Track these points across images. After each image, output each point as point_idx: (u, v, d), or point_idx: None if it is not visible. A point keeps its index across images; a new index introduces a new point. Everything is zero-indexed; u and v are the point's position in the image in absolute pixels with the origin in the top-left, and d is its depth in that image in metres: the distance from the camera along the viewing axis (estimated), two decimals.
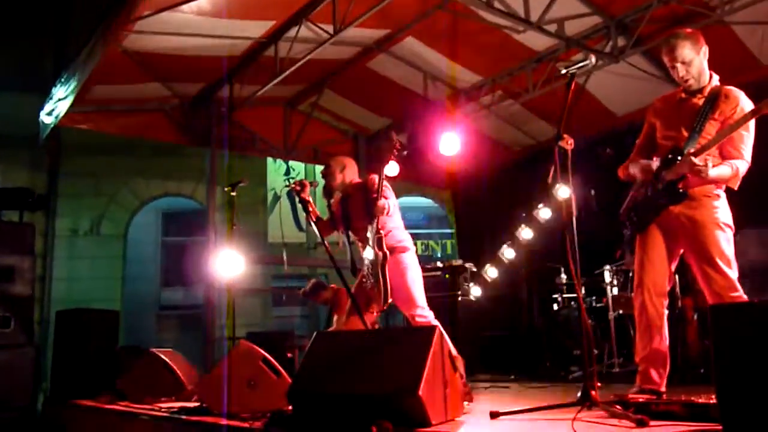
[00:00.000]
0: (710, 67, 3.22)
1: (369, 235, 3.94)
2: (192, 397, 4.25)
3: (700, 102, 3.16)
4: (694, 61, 3.13)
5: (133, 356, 5.32)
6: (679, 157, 3.07)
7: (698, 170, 2.95)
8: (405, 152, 4.10)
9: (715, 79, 3.21)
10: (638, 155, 3.40)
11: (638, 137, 3.46)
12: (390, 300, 3.90)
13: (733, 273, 3.01)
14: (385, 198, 3.97)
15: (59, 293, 10.35)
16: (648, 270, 3.20)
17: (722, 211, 3.09)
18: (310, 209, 4.21)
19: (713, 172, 2.98)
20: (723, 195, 3.14)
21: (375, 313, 4.15)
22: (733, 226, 3.10)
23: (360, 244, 4.14)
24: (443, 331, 3.84)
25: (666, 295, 3.22)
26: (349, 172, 4.33)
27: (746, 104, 3.08)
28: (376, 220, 3.91)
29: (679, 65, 3.13)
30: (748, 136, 3.09)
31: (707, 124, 3.09)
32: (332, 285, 6.86)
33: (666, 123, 3.28)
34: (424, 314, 3.95)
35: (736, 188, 3.12)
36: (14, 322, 5.81)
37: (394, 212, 4.10)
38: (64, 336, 5.89)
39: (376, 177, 4.08)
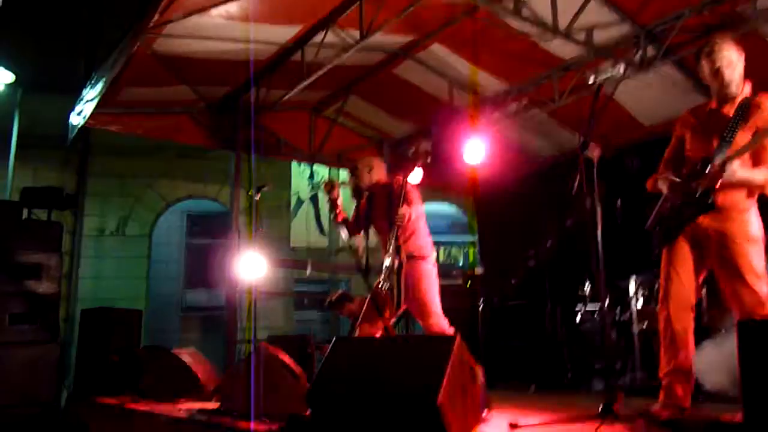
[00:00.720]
0: (744, 78, 3.16)
1: (389, 241, 3.93)
2: (212, 398, 4.27)
3: (731, 112, 3.09)
4: (737, 65, 3.08)
5: (155, 356, 5.37)
6: (708, 168, 3.01)
7: (727, 177, 2.89)
8: (429, 159, 4.08)
9: (747, 89, 3.14)
10: (666, 169, 3.33)
11: (666, 151, 3.40)
12: (403, 307, 3.88)
13: (764, 288, 2.94)
14: (410, 205, 3.95)
15: (85, 291, 10.51)
16: (675, 283, 3.13)
17: (753, 223, 3.02)
18: (338, 210, 4.18)
19: (742, 174, 2.92)
20: (754, 207, 3.06)
21: (391, 319, 4.13)
22: (764, 239, 3.03)
23: (381, 246, 4.13)
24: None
25: (693, 309, 3.15)
26: (377, 172, 4.31)
27: None
28: (395, 228, 3.89)
29: (723, 67, 3.06)
30: None
31: (738, 134, 3.01)
32: (358, 297, 6.81)
33: (696, 135, 3.21)
34: (440, 323, 3.92)
35: None
36: (40, 319, 5.90)
37: (418, 218, 4.07)
38: (88, 334, 5.98)
39: (402, 179, 4.07)
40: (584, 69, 6.06)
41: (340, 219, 4.23)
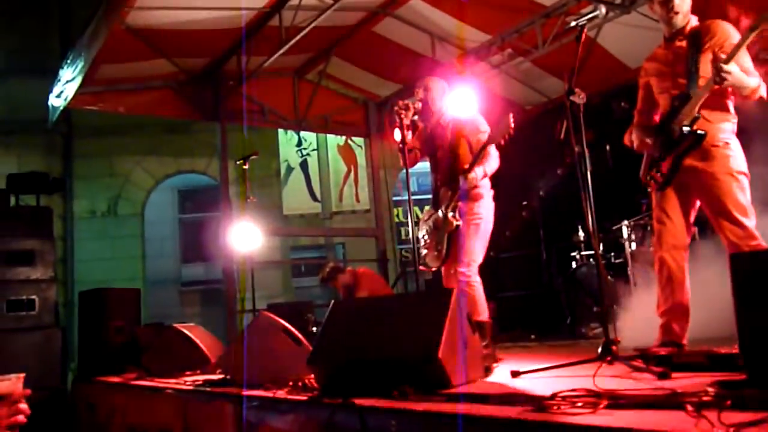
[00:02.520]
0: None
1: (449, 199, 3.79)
2: (216, 370, 4.30)
3: (684, 44, 3.12)
4: None
5: (157, 332, 5.40)
6: (685, 101, 3.02)
7: (724, 76, 2.82)
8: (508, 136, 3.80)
9: (694, 20, 3.17)
10: (640, 119, 3.38)
11: (638, 101, 3.41)
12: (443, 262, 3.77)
13: (751, 221, 2.96)
14: (482, 163, 3.72)
15: (82, 275, 10.51)
16: (666, 225, 3.16)
17: (735, 159, 3.02)
18: (405, 134, 3.74)
19: (738, 75, 2.86)
20: (734, 141, 3.06)
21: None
22: (747, 173, 3.04)
23: (434, 186, 3.94)
24: (480, 293, 3.78)
25: (686, 248, 3.18)
26: (445, 100, 4.02)
27: (731, 29, 3.05)
28: (458, 189, 3.71)
29: None
30: (747, 57, 3.00)
31: (700, 62, 3.04)
32: (349, 268, 6.72)
33: (660, 77, 3.26)
34: (468, 273, 3.71)
35: (767, 97, 3.03)
36: (38, 304, 5.91)
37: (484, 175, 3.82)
38: (88, 316, 5.99)
39: (477, 119, 3.90)
40: (566, 14, 5.98)
41: (409, 147, 3.71)
